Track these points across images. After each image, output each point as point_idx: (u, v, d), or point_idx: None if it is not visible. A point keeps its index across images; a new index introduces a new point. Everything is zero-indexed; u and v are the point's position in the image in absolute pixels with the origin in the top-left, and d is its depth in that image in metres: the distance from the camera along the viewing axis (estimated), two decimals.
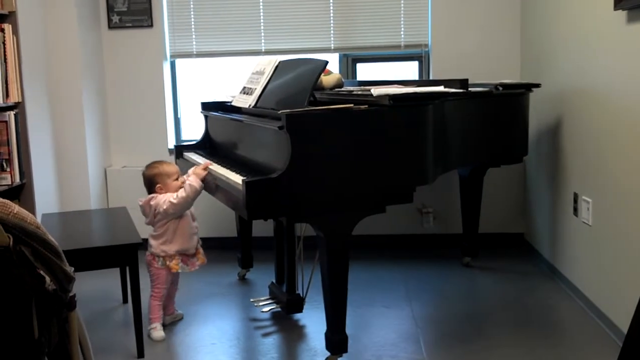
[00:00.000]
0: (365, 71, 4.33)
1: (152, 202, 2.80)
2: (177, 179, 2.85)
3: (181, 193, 2.73)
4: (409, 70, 4.31)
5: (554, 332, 2.81)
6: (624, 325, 2.51)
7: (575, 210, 3.15)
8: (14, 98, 3.12)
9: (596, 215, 2.90)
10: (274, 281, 3.25)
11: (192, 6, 4.20)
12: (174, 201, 2.73)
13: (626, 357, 1.75)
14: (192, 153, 3.37)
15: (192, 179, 2.73)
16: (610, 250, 2.75)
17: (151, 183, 2.85)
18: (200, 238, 2.97)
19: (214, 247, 3.86)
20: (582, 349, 2.64)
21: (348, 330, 2.53)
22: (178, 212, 2.79)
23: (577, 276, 3.17)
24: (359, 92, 2.76)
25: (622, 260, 2.63)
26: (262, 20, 4.18)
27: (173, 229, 2.82)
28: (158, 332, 2.84)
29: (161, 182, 2.82)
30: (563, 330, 2.84)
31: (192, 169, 2.88)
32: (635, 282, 2.47)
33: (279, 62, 3.02)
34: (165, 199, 2.77)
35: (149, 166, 2.89)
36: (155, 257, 2.83)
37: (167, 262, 2.82)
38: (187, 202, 2.75)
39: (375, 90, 2.51)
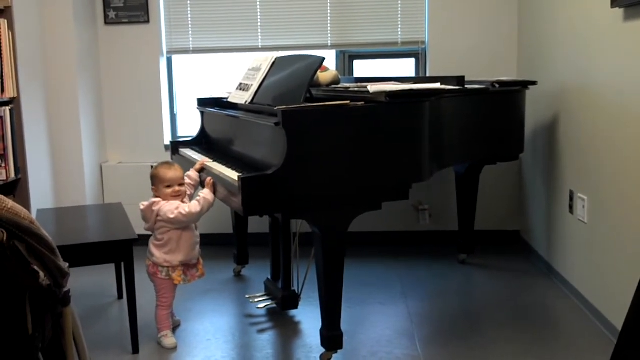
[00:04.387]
0: (362, 68, 4.33)
1: (154, 208, 2.68)
2: (168, 187, 2.69)
3: (195, 207, 2.62)
4: (406, 67, 4.31)
5: (549, 329, 2.82)
6: (619, 322, 2.51)
7: (571, 207, 3.15)
8: (9, 93, 3.10)
9: (592, 212, 2.91)
10: (270, 277, 3.25)
11: (188, 2, 4.19)
12: (184, 212, 2.62)
13: (620, 354, 1.75)
14: (188, 149, 3.37)
15: (206, 192, 2.65)
16: (606, 247, 2.75)
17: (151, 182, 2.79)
18: None
19: (209, 243, 3.86)
20: (576, 345, 2.65)
21: (343, 327, 2.53)
22: (186, 224, 2.70)
23: (573, 273, 3.17)
24: (356, 89, 2.76)
25: (617, 257, 2.63)
26: (259, 17, 4.17)
27: (176, 238, 2.71)
28: (169, 339, 2.75)
29: (154, 185, 2.74)
30: (558, 327, 2.84)
31: (191, 171, 2.86)
32: (629, 280, 2.48)
33: (276, 59, 3.02)
34: (172, 208, 2.64)
35: (156, 165, 2.78)
36: (158, 267, 2.73)
37: (171, 273, 2.73)
38: (199, 215, 2.65)
39: (372, 87, 2.50)
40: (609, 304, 2.74)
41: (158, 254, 2.72)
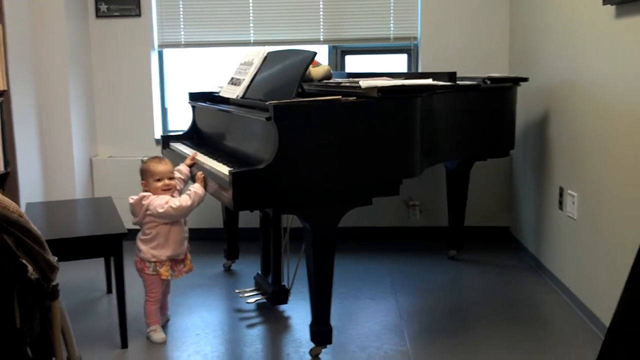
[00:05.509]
0: (354, 63, 4.33)
1: (144, 202, 2.66)
2: (159, 180, 2.67)
3: (186, 201, 2.60)
4: (398, 62, 4.31)
5: (537, 324, 2.84)
6: (606, 318, 2.53)
7: (561, 204, 3.17)
8: None
9: (581, 209, 2.92)
10: (260, 272, 3.25)
11: None
12: (174, 206, 2.60)
13: (608, 349, 1.77)
14: (179, 143, 3.36)
15: (197, 187, 2.63)
16: (595, 244, 2.77)
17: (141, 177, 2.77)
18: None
19: (200, 238, 3.86)
20: (564, 340, 2.67)
21: (333, 322, 2.53)
22: (176, 218, 2.68)
23: (561, 270, 3.19)
24: (348, 84, 2.76)
25: (606, 254, 2.65)
26: (251, 11, 4.16)
27: (165, 233, 2.68)
28: (158, 334, 2.74)
29: (145, 179, 2.72)
30: (547, 323, 2.86)
31: (181, 166, 2.85)
32: (618, 276, 2.49)
33: (268, 53, 3.01)
34: (162, 203, 2.62)
35: (145, 160, 2.77)
36: (145, 262, 2.71)
37: (158, 268, 2.70)
38: (190, 209, 2.63)
39: (364, 83, 2.50)
40: (597, 299, 2.76)
41: (145, 249, 2.70)
